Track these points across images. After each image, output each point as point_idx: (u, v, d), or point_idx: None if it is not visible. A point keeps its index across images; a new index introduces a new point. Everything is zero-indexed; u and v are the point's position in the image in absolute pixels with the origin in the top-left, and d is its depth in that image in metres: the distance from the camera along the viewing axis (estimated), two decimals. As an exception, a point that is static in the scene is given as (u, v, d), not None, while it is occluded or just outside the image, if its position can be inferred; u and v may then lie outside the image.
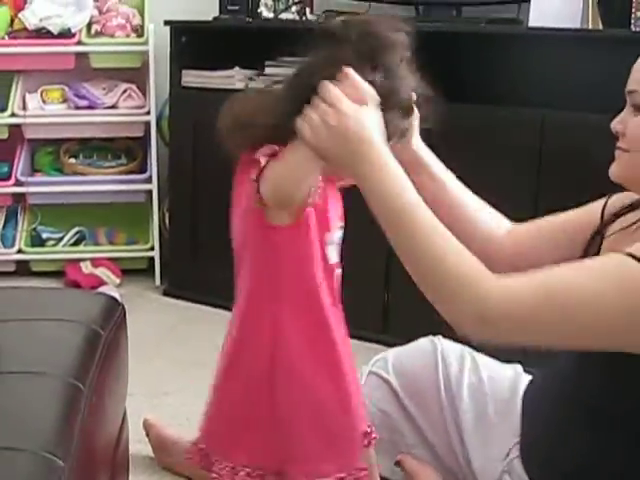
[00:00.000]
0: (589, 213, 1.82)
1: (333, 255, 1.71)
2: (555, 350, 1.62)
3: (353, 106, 1.50)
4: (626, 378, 1.50)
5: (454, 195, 1.85)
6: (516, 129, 3.15)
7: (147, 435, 2.55)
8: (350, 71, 1.54)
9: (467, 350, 2.06)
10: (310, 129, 1.51)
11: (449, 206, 1.81)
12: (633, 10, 2.92)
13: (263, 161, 1.61)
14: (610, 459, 1.57)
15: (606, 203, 1.78)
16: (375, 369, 2.14)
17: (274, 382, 1.67)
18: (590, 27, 3.11)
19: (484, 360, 2.04)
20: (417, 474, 2.16)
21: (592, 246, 1.74)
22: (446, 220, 1.56)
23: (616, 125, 1.63)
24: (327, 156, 1.52)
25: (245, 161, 1.70)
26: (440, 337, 2.10)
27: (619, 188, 1.69)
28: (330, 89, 1.51)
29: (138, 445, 2.53)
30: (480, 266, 1.47)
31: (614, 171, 1.65)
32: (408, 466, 2.14)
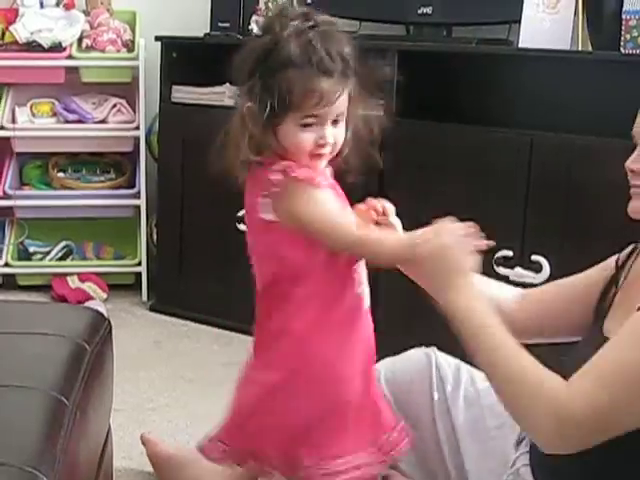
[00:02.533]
0: (599, 269, 1.89)
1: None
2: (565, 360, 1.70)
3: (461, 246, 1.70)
4: None
5: None
6: (505, 150, 3.16)
7: (145, 450, 2.52)
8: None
9: (463, 363, 2.07)
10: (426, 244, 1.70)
11: None
12: (622, 32, 2.93)
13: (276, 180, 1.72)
14: (622, 472, 1.58)
15: (620, 254, 1.83)
16: None
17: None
18: (580, 49, 3.12)
19: (481, 374, 2.04)
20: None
21: (607, 294, 1.80)
22: None
23: (631, 165, 1.67)
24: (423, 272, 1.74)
25: (259, 178, 1.79)
26: (434, 349, 2.11)
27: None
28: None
29: (123, 461, 2.52)
30: (551, 378, 1.54)
31: (635, 209, 1.69)
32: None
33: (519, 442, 1.85)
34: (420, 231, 1.74)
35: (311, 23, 1.78)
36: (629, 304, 1.63)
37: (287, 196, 1.73)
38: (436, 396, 2.04)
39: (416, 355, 2.14)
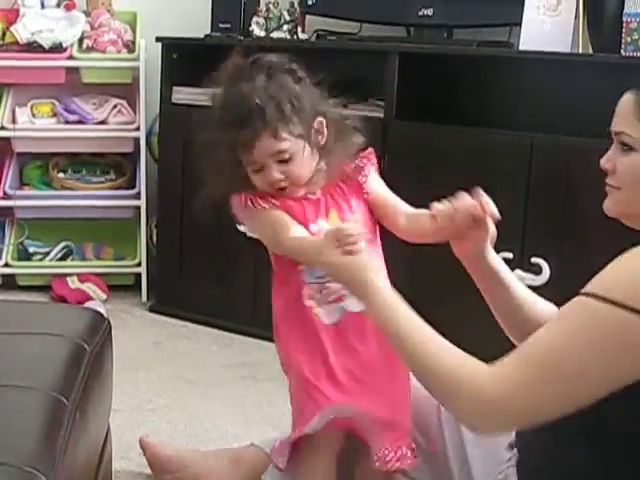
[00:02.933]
0: None
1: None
2: None
3: (344, 259, 1.75)
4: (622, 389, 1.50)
5: (519, 297, 1.94)
6: (505, 152, 3.16)
7: (144, 454, 2.51)
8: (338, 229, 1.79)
9: None
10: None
11: (516, 307, 1.93)
12: (623, 35, 2.93)
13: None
14: (601, 470, 1.57)
15: None
16: None
17: None
18: (580, 51, 3.13)
19: None
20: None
21: None
22: (513, 319, 1.90)
23: (605, 164, 1.67)
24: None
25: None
26: None
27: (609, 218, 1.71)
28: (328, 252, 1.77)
29: (122, 461, 2.51)
30: (470, 364, 1.57)
31: (609, 207, 1.68)
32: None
33: (512, 445, 1.85)
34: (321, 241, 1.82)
35: (253, 72, 1.92)
36: None
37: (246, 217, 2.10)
38: None
39: None
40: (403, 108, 3.37)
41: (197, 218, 3.84)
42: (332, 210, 1.98)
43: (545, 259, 3.03)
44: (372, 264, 1.80)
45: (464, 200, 1.88)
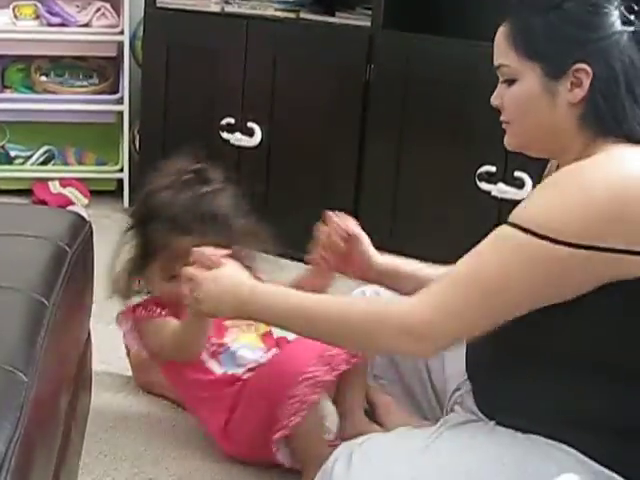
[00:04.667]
0: None
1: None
2: None
3: (209, 273, 1.82)
4: (550, 316, 1.55)
5: (428, 276, 1.97)
6: (491, 64, 3.13)
7: (127, 354, 2.53)
8: (195, 251, 1.88)
9: None
10: (197, 305, 1.83)
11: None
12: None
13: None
14: (545, 395, 1.61)
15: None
16: None
17: None
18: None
19: None
20: (377, 405, 2.20)
21: None
22: None
23: (494, 101, 1.70)
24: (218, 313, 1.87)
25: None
26: None
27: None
28: (187, 273, 1.84)
29: (102, 365, 2.53)
30: (390, 303, 1.67)
31: (507, 143, 1.73)
32: (370, 397, 2.19)
33: None
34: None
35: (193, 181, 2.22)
36: None
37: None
38: None
39: None
40: (391, 17, 3.33)
41: (180, 123, 3.84)
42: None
43: (528, 173, 3.03)
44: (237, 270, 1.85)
45: (324, 234, 2.07)
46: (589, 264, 1.48)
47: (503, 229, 1.54)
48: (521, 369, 1.63)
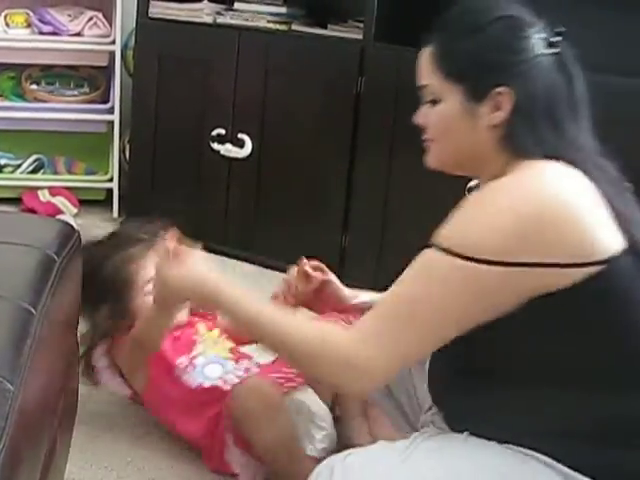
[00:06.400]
0: None
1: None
2: None
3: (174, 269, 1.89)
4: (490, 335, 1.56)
5: None
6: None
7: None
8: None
9: None
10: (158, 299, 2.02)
11: None
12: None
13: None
14: (507, 410, 1.61)
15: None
16: None
17: None
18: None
19: None
20: (368, 418, 2.22)
21: None
22: None
23: (418, 119, 1.72)
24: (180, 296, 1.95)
25: None
26: None
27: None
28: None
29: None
30: (329, 333, 1.60)
31: (429, 162, 1.74)
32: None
33: None
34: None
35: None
36: None
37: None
38: None
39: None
40: (383, 30, 3.34)
41: (170, 134, 3.84)
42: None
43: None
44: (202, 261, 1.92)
45: (293, 275, 2.19)
46: (507, 280, 1.50)
47: (425, 252, 1.56)
48: (480, 386, 1.64)
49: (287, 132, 3.58)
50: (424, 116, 1.70)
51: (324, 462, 1.65)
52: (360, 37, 3.37)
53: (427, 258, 1.55)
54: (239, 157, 3.63)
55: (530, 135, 1.60)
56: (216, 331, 2.41)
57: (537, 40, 1.62)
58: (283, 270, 3.46)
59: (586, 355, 1.55)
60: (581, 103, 1.65)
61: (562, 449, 1.55)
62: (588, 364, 1.55)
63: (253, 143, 3.61)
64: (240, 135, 3.63)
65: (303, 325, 1.65)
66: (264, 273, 3.50)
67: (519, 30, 1.61)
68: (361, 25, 3.38)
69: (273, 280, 3.47)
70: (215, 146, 3.68)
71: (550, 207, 1.50)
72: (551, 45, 1.63)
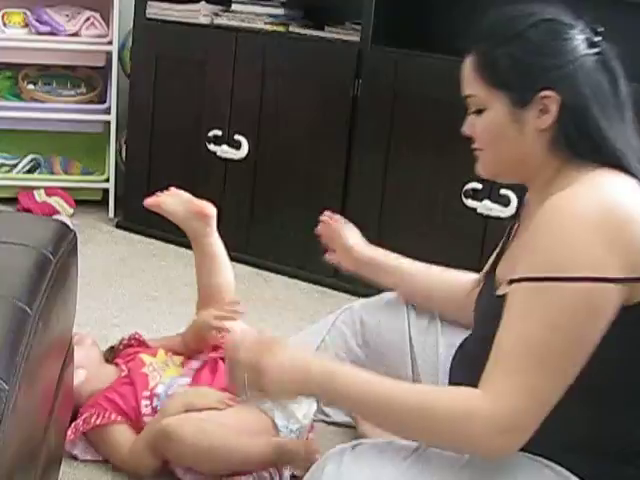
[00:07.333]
0: None
1: None
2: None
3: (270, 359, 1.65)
4: None
5: (417, 277, 2.17)
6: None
7: None
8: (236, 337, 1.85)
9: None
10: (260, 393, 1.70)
11: (419, 287, 2.18)
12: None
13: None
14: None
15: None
16: (339, 322, 2.28)
17: None
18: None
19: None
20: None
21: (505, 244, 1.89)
22: (420, 296, 2.14)
23: (466, 130, 1.72)
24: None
25: None
26: None
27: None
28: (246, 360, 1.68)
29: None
30: (462, 397, 1.51)
31: (480, 171, 1.74)
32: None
33: None
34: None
35: None
36: (517, 249, 1.71)
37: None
38: (407, 334, 2.18)
39: (390, 298, 2.25)
40: (380, 33, 3.34)
41: (167, 135, 3.84)
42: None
43: (513, 191, 3.03)
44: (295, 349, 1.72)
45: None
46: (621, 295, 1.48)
47: (528, 288, 1.50)
48: None
49: (284, 134, 3.58)
50: (471, 126, 1.70)
51: (333, 449, 1.64)
52: (357, 39, 3.37)
53: (531, 292, 1.50)
54: (235, 158, 3.64)
55: (583, 135, 1.59)
56: (161, 353, 2.37)
57: (578, 41, 1.61)
58: (279, 271, 3.48)
59: (623, 370, 1.55)
60: (627, 103, 1.64)
61: (580, 463, 1.55)
62: (622, 379, 1.55)
63: (249, 144, 3.62)
64: (236, 136, 3.63)
65: (441, 398, 1.53)
66: (260, 274, 3.50)
67: (559, 32, 1.61)
68: (358, 27, 3.39)
69: (269, 281, 3.47)
70: (211, 147, 3.69)
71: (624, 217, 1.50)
72: (593, 45, 1.62)
